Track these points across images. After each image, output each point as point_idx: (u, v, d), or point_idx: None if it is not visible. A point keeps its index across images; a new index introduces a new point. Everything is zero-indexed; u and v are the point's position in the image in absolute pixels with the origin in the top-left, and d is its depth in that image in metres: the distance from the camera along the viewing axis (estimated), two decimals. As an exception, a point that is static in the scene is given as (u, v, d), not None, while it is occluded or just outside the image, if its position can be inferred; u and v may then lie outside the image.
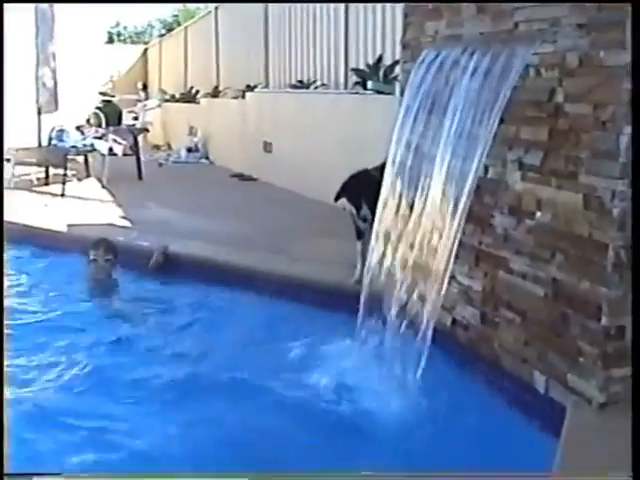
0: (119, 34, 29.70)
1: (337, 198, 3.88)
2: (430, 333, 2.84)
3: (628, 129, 2.27)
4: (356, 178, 3.87)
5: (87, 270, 4.36)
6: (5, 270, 3.86)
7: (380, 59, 6.55)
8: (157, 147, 12.61)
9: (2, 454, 1.87)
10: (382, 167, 3.37)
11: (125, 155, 8.80)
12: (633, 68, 2.23)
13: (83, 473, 2.22)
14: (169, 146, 12.69)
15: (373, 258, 3.33)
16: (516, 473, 2.04)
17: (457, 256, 2.92)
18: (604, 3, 2.30)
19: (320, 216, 5.86)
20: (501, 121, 2.70)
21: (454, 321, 3.13)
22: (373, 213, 3.42)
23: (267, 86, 9.98)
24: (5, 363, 2.64)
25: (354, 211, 3.81)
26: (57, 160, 8.07)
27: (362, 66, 6.89)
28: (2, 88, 7.82)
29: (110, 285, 4.35)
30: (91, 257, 4.28)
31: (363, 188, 3.72)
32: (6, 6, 5.66)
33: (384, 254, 3.29)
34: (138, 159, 8.77)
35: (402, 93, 3.33)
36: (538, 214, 2.63)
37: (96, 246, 4.33)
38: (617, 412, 2.34)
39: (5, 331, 3.11)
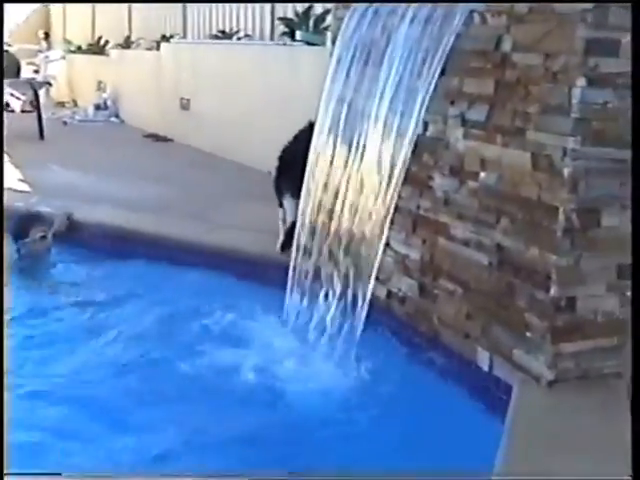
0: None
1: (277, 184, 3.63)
2: (364, 307, 2.74)
3: (581, 81, 2.16)
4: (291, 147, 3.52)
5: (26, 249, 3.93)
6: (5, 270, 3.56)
7: (310, 7, 6.30)
8: (61, 104, 12.02)
9: (2, 454, 1.84)
10: (311, 126, 3.10)
11: (24, 112, 8.37)
12: (633, 67, 2.13)
13: (83, 473, 2.18)
14: (75, 103, 12.11)
15: (301, 225, 3.11)
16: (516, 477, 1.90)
17: (393, 222, 2.82)
18: (603, 3, 2.15)
19: (241, 179, 5.69)
20: (442, 72, 2.59)
21: (389, 293, 2.98)
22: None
23: (185, 36, 9.58)
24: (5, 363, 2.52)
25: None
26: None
27: (290, 15, 6.63)
28: (2, 81, 7.62)
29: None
30: (38, 235, 3.90)
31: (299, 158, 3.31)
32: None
33: (312, 221, 3.06)
34: (39, 116, 8.24)
35: (334, 43, 3.11)
36: (482, 175, 2.51)
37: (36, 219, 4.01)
38: (567, 390, 2.26)
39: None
